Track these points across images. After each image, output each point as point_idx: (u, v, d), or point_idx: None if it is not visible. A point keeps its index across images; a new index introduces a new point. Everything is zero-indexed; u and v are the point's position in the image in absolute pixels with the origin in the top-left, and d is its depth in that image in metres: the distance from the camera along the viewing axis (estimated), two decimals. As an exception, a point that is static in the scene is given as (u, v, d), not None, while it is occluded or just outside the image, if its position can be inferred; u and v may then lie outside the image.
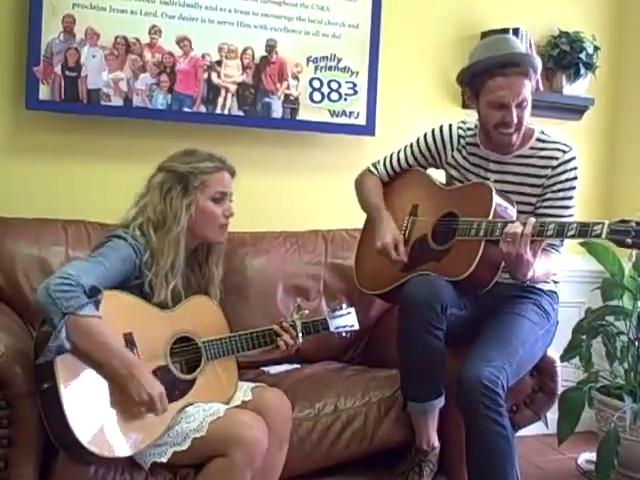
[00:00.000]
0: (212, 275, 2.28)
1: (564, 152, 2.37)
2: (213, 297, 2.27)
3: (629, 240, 1.98)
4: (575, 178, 2.37)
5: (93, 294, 1.92)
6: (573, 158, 2.37)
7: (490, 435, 2.13)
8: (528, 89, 2.31)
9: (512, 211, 2.33)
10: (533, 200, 2.39)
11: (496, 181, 2.40)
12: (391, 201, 2.61)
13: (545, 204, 2.37)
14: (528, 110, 2.34)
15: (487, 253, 2.25)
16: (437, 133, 2.55)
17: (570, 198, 2.36)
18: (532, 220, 2.13)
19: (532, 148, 2.41)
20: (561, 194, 2.35)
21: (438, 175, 2.60)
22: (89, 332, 1.91)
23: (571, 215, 2.35)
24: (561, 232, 2.12)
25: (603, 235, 2.01)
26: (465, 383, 2.13)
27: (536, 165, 2.38)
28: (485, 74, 2.31)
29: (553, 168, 2.36)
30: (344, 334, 2.43)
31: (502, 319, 2.32)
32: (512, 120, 2.31)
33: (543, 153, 2.39)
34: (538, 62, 2.36)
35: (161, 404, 1.96)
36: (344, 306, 2.45)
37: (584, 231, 2.06)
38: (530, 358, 2.34)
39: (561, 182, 2.35)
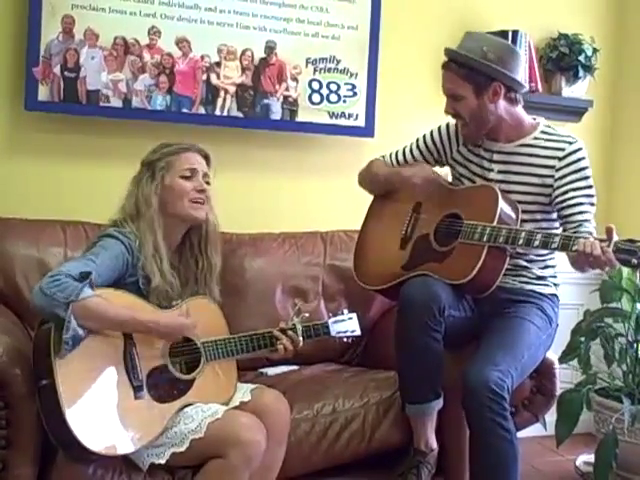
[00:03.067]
0: (211, 266, 2.28)
1: (570, 143, 2.36)
2: (215, 290, 2.27)
3: (635, 260, 1.98)
4: (587, 167, 2.35)
5: (84, 277, 1.93)
6: (579, 149, 2.36)
7: (495, 439, 2.13)
8: (458, 85, 2.35)
9: (516, 216, 2.33)
10: (538, 190, 2.37)
11: (500, 171, 2.41)
12: (395, 195, 2.61)
13: (562, 196, 2.32)
14: (467, 104, 2.35)
15: (489, 258, 2.24)
16: (443, 129, 2.57)
17: (588, 187, 2.32)
18: (616, 238, 2.04)
19: (536, 138, 2.40)
20: (576, 184, 2.32)
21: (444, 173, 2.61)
22: (97, 312, 1.94)
23: (593, 204, 2.32)
24: (566, 246, 2.12)
25: None
26: (472, 386, 2.13)
27: (541, 155, 2.37)
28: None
29: (560, 159, 2.34)
30: (345, 339, 2.42)
31: (507, 322, 2.32)
32: (446, 109, 2.41)
33: (548, 144, 2.38)
34: (478, 64, 2.30)
35: (192, 325, 2.11)
36: (345, 311, 2.42)
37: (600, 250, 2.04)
38: (533, 362, 2.34)
39: (572, 173, 2.33)
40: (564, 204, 2.33)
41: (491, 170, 2.43)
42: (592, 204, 2.33)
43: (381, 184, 2.64)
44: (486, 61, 2.30)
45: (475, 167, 2.48)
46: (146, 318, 2.04)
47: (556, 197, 2.35)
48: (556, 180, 2.35)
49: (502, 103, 2.37)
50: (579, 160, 2.35)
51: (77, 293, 1.89)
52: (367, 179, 2.68)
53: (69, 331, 1.87)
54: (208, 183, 2.25)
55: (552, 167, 2.36)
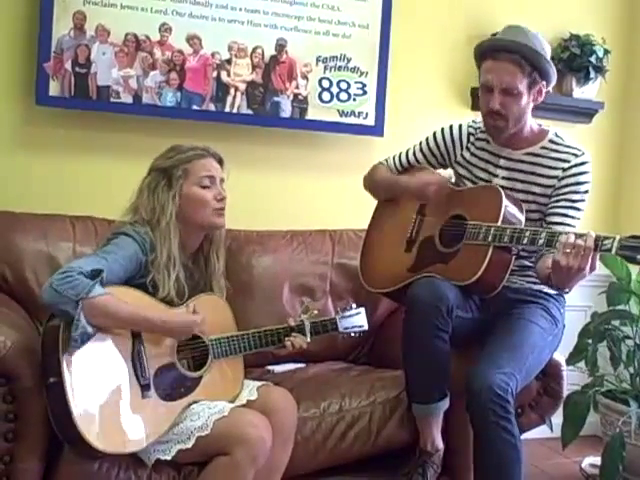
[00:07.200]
0: (213, 267, 2.28)
1: (576, 156, 2.35)
2: (217, 291, 2.28)
3: (639, 257, 1.97)
4: (586, 182, 2.34)
5: (95, 275, 1.93)
6: (585, 162, 2.35)
7: (499, 443, 2.12)
8: (519, 79, 2.27)
9: (521, 216, 2.32)
10: (541, 200, 2.37)
11: (504, 178, 2.40)
12: (399, 198, 2.60)
13: (554, 204, 2.34)
14: (520, 102, 2.30)
15: (495, 258, 2.24)
16: (447, 132, 2.55)
17: (580, 201, 2.33)
18: (593, 234, 2.04)
19: (544, 148, 2.39)
20: (571, 196, 2.32)
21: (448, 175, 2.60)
22: (107, 310, 1.93)
23: (578, 218, 2.32)
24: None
25: (613, 250, 1.99)
26: (475, 390, 2.12)
27: (546, 165, 2.37)
28: (482, 56, 2.34)
29: (564, 170, 2.34)
30: (353, 334, 2.43)
31: (511, 324, 2.31)
32: (494, 105, 2.30)
33: (555, 155, 2.37)
34: (543, 61, 2.29)
35: (202, 323, 2.10)
36: (354, 306, 2.44)
37: (594, 244, 2.03)
38: (538, 364, 2.33)
39: (572, 185, 2.33)
40: (551, 210, 2.34)
41: (496, 176, 2.42)
42: (578, 218, 2.32)
43: (382, 193, 2.65)
44: (547, 59, 2.29)
45: (479, 171, 2.47)
46: (157, 316, 2.04)
47: (549, 203, 2.35)
48: (555, 189, 2.35)
49: (531, 105, 2.35)
50: (581, 174, 2.34)
51: (87, 291, 1.88)
52: (370, 186, 2.68)
53: (78, 329, 1.87)
54: (223, 189, 2.24)
55: (555, 177, 2.35)
